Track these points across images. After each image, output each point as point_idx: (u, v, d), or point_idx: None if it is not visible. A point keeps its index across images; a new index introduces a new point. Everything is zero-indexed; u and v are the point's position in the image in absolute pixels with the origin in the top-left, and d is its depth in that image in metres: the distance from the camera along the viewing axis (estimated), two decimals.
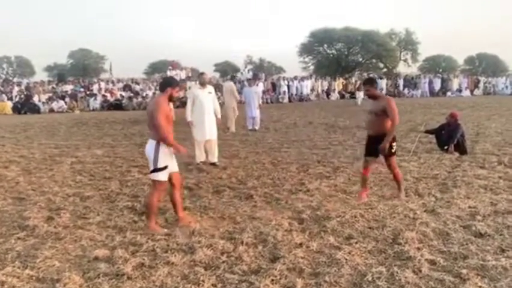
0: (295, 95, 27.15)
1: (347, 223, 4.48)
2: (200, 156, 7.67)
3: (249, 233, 4.20)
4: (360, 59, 45.65)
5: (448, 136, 8.39)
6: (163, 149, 4.28)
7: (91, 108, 22.51)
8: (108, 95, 24.01)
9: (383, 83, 28.44)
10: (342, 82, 30.61)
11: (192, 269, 3.47)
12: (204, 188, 6.03)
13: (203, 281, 3.26)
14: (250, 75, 26.20)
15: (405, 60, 47.78)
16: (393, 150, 5.23)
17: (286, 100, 25.51)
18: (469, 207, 4.98)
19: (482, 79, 32.59)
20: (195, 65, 38.72)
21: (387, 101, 5.15)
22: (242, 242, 3.97)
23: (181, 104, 22.29)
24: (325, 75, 36.57)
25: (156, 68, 51.69)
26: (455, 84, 30.32)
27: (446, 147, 8.33)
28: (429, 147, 8.91)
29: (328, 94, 28.40)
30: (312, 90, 28.14)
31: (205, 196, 5.60)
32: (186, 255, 3.73)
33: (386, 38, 44.37)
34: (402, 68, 47.07)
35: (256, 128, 12.76)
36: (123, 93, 24.41)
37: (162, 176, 4.33)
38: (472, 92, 29.66)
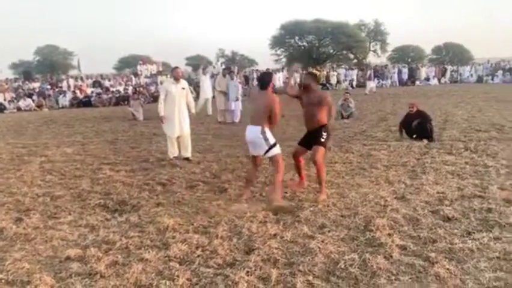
0: None
1: (319, 212, 4.54)
2: (173, 152, 7.59)
3: (223, 226, 4.20)
4: (331, 51, 46.08)
5: (421, 129, 8.57)
6: (269, 131, 4.85)
7: (60, 106, 21.90)
8: (77, 91, 23.41)
9: (353, 74, 28.80)
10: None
11: (167, 265, 3.45)
12: (177, 184, 5.97)
13: (178, 276, 3.25)
14: (221, 68, 26.03)
15: (374, 51, 48.57)
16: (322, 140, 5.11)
17: None
18: (437, 192, 5.12)
19: (449, 68, 33.40)
20: (166, 59, 38.28)
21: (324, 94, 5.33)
22: (217, 236, 3.97)
23: (154, 99, 22.08)
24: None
25: (126, 62, 50.81)
26: (423, 73, 30.97)
27: (430, 139, 8.44)
28: (399, 135, 9.10)
29: (300, 86, 28.52)
30: (284, 82, 28.21)
31: (179, 191, 5.56)
32: (160, 251, 3.71)
33: (356, 30, 44.91)
34: (372, 59, 47.89)
35: (236, 120, 12.79)
36: (93, 90, 23.88)
37: (277, 150, 4.90)
38: (439, 80, 30.38)
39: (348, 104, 12.88)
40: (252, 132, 4.91)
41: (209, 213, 4.66)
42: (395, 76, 29.18)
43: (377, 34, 48.08)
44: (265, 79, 5.07)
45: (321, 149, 5.10)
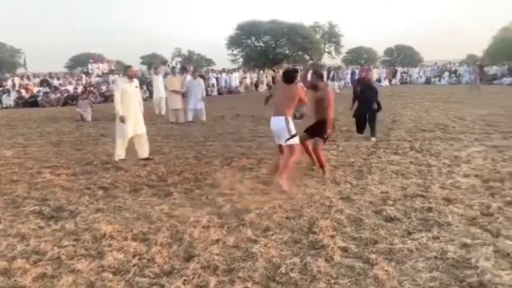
0: (224, 87, 27.00)
1: (265, 215, 4.46)
2: (120, 154, 7.30)
3: (164, 233, 4.03)
4: (287, 52, 46.30)
5: (370, 96, 8.83)
6: (291, 121, 5.50)
7: (4, 106, 20.75)
8: (23, 91, 22.24)
9: (309, 75, 29.10)
10: (271, 74, 30.94)
11: (100, 275, 3.24)
12: (120, 188, 5.72)
13: (111, 287, 3.06)
14: (178, 67, 25.56)
15: (329, 52, 49.44)
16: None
17: (215, 93, 25.25)
18: (382, 192, 5.19)
19: (399, 69, 34.60)
20: (120, 57, 37.18)
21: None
22: (156, 243, 3.79)
23: (105, 98, 21.33)
24: (254, 67, 36.69)
25: (78, 61, 49.00)
26: (374, 74, 31.84)
27: (376, 108, 8.84)
28: (349, 136, 9.24)
29: (257, 86, 28.55)
30: (241, 82, 28.17)
31: (121, 196, 5.31)
32: (94, 260, 3.49)
33: (311, 31, 45.50)
34: (326, 60, 48.74)
35: (204, 119, 12.77)
36: (40, 89, 22.76)
37: (297, 140, 5.53)
38: (390, 81, 31.40)
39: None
40: (277, 122, 5.56)
41: (150, 218, 4.47)
42: (348, 77, 29.85)
43: (332, 36, 49.00)
44: (291, 75, 5.79)
45: (321, 143, 6.14)
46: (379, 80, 31.20)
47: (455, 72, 32.56)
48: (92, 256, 3.59)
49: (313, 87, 6.40)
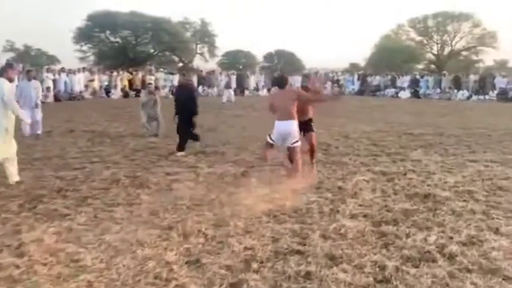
0: (64, 92, 24.49)
1: None
2: None
3: None
4: (152, 51, 45.10)
5: (194, 104, 9.07)
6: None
7: None
8: None
9: (175, 79, 28.04)
10: (127, 77, 28.87)
11: None
12: None
13: None
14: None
15: (201, 54, 49.26)
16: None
17: (51, 99, 22.46)
18: (245, 248, 4.32)
19: None
20: None
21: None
22: None
23: None
24: (109, 67, 34.55)
25: None
26: (252, 81, 32.23)
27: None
28: (212, 160, 8.40)
29: (108, 92, 26.53)
30: (87, 86, 25.91)
31: None
32: None
33: (179, 28, 44.91)
34: (199, 63, 48.46)
35: (39, 132, 11.56)
36: None
37: (299, 142, 6.94)
38: (269, 90, 31.92)
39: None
40: (289, 126, 6.78)
41: None
42: (222, 84, 29.55)
43: (204, 35, 48.89)
44: (282, 81, 7.16)
45: (314, 134, 7.59)
46: (257, 89, 31.58)
47: (337, 82, 34.53)
48: None
49: (304, 88, 7.62)
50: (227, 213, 5.39)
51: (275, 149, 7.25)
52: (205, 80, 29.68)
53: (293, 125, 6.75)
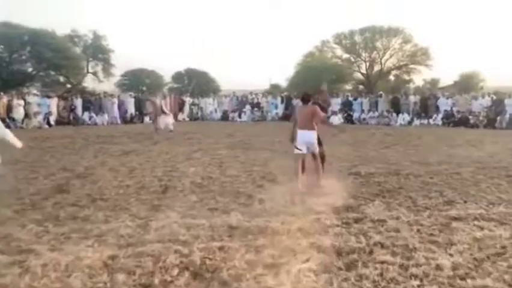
0: None
1: None
2: None
3: None
4: (31, 69, 41.02)
5: None
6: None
7: None
8: None
9: (53, 104, 24.56)
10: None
11: None
12: None
13: None
14: None
15: (94, 74, 45.77)
16: None
17: None
18: None
19: (188, 100, 33.10)
20: None
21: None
22: None
23: None
24: None
25: None
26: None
27: None
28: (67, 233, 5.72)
29: None
30: None
31: None
32: None
33: (66, 42, 41.35)
34: (92, 84, 45.00)
35: None
36: None
37: (318, 148, 8.81)
38: (176, 116, 29.37)
39: None
40: (310, 135, 8.58)
41: None
42: (115, 109, 26.53)
43: (97, 51, 45.52)
44: (306, 97, 8.93)
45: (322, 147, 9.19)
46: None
47: (258, 105, 32.74)
48: None
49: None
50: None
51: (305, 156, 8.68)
52: (93, 104, 26.41)
53: (314, 134, 8.58)
